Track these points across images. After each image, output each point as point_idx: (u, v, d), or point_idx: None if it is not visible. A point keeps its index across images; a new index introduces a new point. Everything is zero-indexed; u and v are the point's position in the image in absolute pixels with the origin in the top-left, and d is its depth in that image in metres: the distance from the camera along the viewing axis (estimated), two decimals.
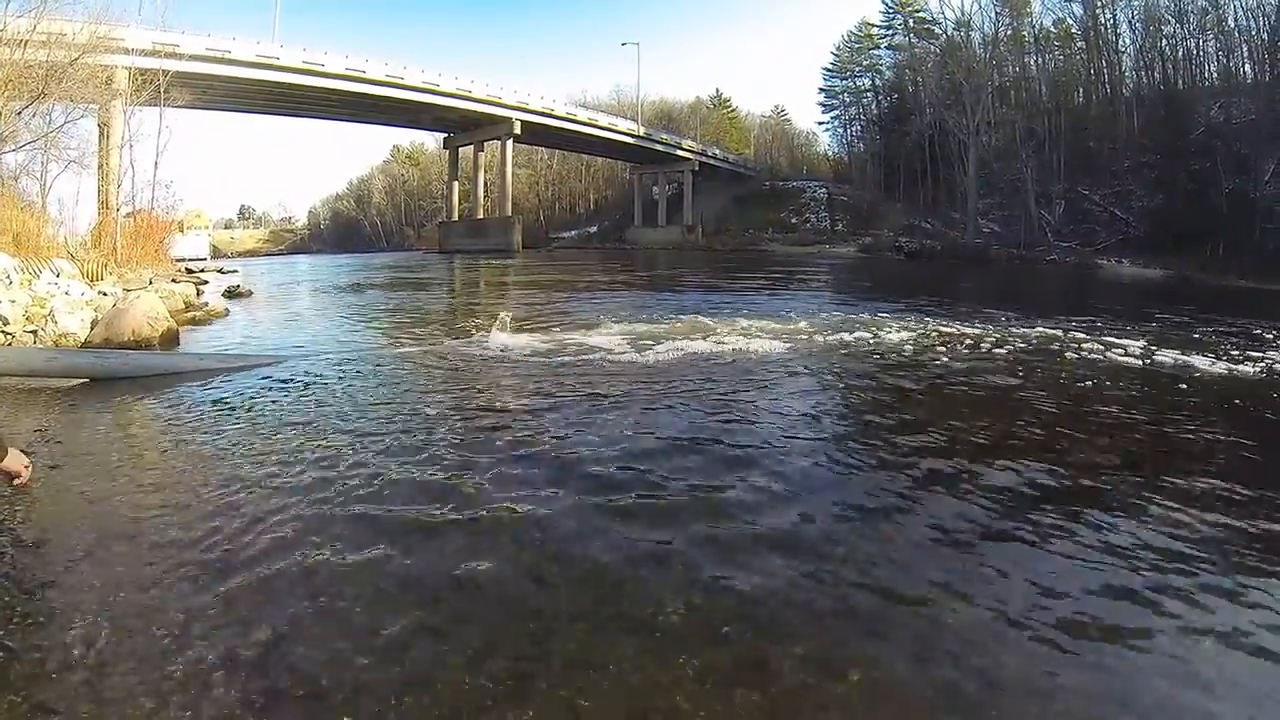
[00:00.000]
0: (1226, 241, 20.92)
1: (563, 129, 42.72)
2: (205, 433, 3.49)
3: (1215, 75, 27.89)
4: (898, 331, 6.68)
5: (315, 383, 4.68)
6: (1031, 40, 34.08)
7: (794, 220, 45.20)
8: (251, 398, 4.23)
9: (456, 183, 47.04)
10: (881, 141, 43.21)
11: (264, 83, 29.54)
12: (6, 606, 1.82)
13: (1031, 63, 34.29)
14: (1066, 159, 29.10)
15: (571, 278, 17.16)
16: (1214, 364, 5.23)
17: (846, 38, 46.99)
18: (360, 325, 8.46)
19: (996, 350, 5.81)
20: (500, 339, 6.07)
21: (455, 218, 46.49)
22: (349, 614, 1.80)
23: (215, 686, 1.50)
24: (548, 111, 41.00)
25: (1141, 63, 30.44)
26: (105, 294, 7.99)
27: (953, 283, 15.80)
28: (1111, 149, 29.06)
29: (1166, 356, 5.50)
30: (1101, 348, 5.80)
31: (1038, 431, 3.52)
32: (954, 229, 32.07)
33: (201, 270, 19.62)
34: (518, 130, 39.65)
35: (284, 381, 4.70)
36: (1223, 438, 3.45)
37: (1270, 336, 6.92)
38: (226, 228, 77.85)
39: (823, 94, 49.67)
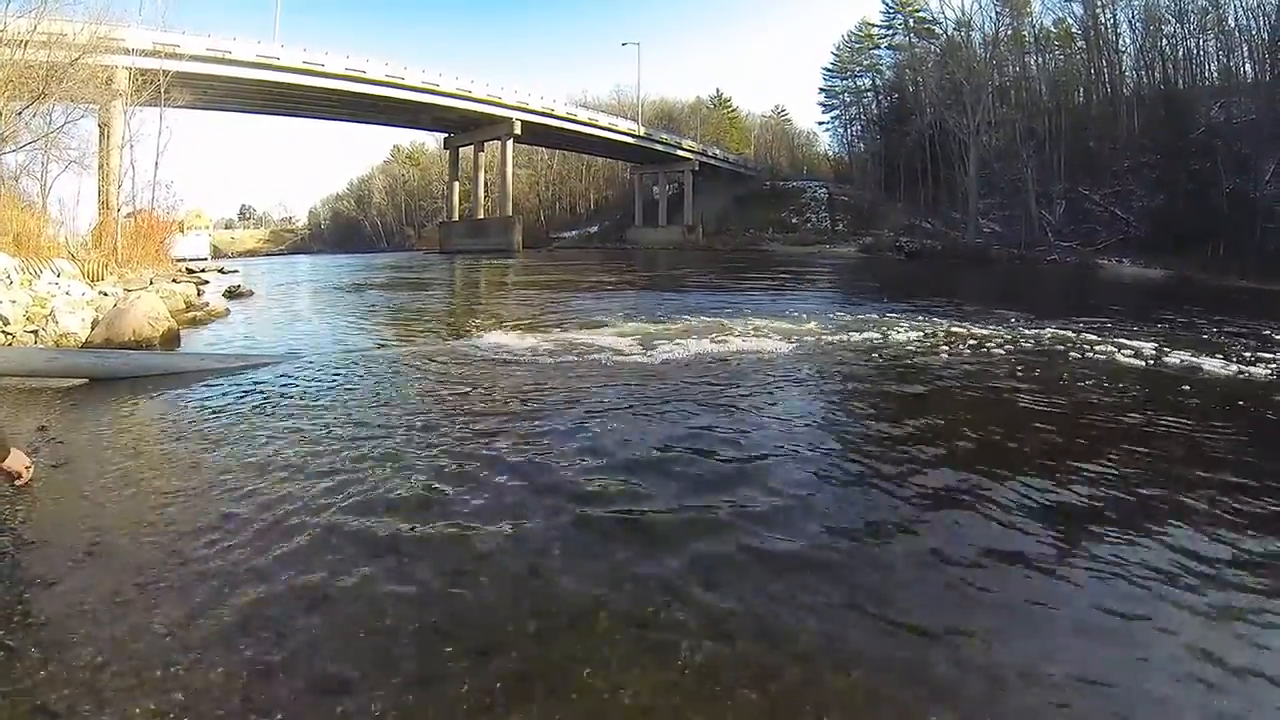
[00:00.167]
0: (1227, 241, 20.92)
1: (563, 129, 42.71)
2: (206, 433, 3.48)
3: (1215, 75, 27.94)
4: (905, 332, 6.69)
5: (316, 383, 4.67)
6: (1032, 40, 34.10)
7: (794, 220, 45.18)
8: (252, 398, 4.23)
9: (457, 183, 47.04)
10: (882, 141, 43.17)
11: (264, 83, 29.56)
12: (7, 606, 1.82)
13: (1032, 62, 34.30)
14: (1067, 159, 29.09)
15: (573, 278, 17.15)
16: (1225, 366, 5.20)
17: (847, 38, 47.14)
18: (361, 326, 8.45)
19: (1008, 352, 5.78)
20: (501, 339, 6.06)
21: (456, 218, 46.48)
22: (349, 614, 1.80)
23: (215, 686, 1.50)
24: (548, 111, 40.99)
25: (1142, 62, 30.49)
26: (106, 294, 7.99)
27: (954, 283, 15.79)
28: (1112, 149, 29.05)
29: (1177, 358, 5.47)
30: (1113, 349, 5.76)
31: (1057, 439, 3.46)
32: (955, 229, 32.07)
33: (202, 270, 19.61)
34: (518, 130, 39.63)
35: (284, 382, 4.70)
36: (1245, 441, 3.41)
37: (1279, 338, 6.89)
38: (227, 228, 77.91)
39: (823, 94, 49.86)
